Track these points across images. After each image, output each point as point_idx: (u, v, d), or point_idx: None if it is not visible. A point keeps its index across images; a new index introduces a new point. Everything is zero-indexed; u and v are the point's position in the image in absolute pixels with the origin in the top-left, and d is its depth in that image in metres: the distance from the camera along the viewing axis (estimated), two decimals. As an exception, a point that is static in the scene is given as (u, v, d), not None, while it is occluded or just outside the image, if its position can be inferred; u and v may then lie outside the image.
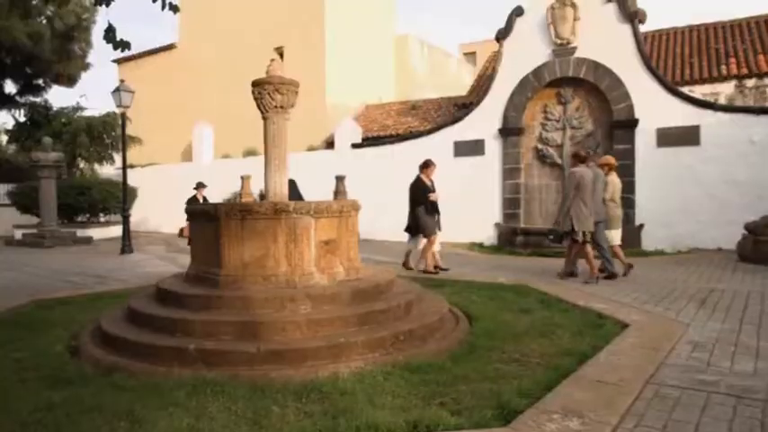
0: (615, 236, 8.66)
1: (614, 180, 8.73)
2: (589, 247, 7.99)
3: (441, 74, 25.47)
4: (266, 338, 4.41)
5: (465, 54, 29.77)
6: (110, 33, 4.72)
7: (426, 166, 9.55)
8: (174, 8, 5.21)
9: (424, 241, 9.50)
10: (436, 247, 9.65)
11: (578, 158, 8.30)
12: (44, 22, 19.01)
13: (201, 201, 12.36)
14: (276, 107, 5.55)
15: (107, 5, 4.66)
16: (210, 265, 5.24)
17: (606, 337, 4.77)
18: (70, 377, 4.10)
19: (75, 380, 4.05)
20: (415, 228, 9.53)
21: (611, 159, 9.10)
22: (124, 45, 4.79)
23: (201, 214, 5.35)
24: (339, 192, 14.55)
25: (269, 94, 5.50)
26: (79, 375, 4.16)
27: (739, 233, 10.60)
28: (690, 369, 3.83)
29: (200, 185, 12.66)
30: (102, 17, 23.14)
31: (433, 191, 9.31)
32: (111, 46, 4.80)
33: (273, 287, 4.94)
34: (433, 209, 9.24)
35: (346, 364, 4.22)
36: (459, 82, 25.47)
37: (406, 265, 9.69)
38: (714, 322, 5.23)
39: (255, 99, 5.61)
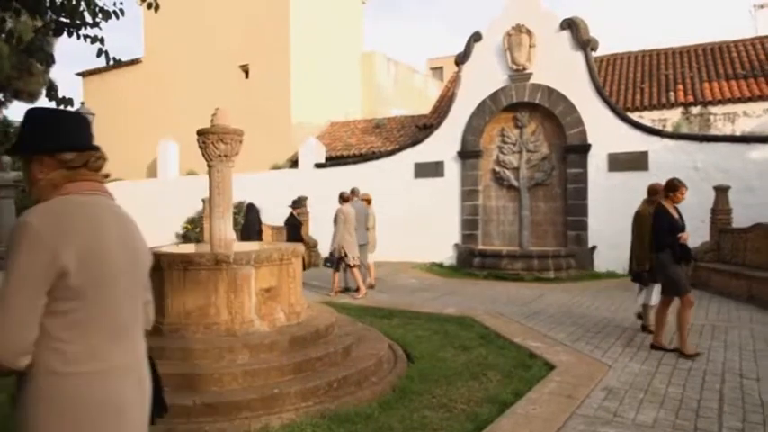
0: (370, 257, 10.91)
1: (373, 212, 11.07)
2: (356, 269, 9.86)
3: (407, 89, 25.81)
4: (203, 390, 4.58)
5: (432, 69, 30.19)
6: (52, 92, 4.87)
7: (674, 188, 6.25)
8: (118, 62, 5.37)
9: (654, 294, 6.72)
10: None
11: (342, 198, 10.14)
12: (3, 37, 18.79)
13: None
14: (220, 156, 5.72)
15: (47, 66, 4.80)
16: (155, 312, 5.38)
17: (531, 380, 5.04)
18: (8, 434, 4.23)
19: (13, 436, 4.17)
20: (647, 275, 6.81)
21: (369, 195, 11.35)
22: (66, 102, 4.94)
23: (145, 262, 5.49)
24: (301, 213, 14.76)
25: (212, 143, 5.66)
26: None
27: (684, 257, 11.05)
28: (597, 420, 4.10)
29: (297, 204, 12.31)
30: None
31: (683, 227, 6.22)
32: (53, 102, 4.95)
33: (214, 336, 5.11)
34: (684, 254, 6.13)
35: (278, 415, 4.41)
36: (426, 97, 25.84)
37: (646, 326, 6.95)
38: (635, 363, 5.55)
39: (200, 148, 5.76)
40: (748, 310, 8.25)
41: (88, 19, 4.89)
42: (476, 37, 14.38)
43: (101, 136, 20.42)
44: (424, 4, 77.28)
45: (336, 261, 9.92)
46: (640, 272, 6.92)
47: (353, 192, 10.83)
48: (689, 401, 4.48)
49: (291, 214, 11.96)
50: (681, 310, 5.92)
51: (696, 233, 11.35)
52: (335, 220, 9.96)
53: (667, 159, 12.39)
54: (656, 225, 6.19)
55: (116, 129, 23.22)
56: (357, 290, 10.00)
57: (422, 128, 17.25)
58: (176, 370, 4.72)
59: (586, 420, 4.11)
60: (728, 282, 9.43)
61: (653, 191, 7.07)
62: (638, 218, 7.12)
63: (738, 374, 5.17)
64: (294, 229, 11.69)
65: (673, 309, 6.07)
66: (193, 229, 17.40)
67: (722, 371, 5.27)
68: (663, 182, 12.17)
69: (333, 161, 17.25)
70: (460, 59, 14.63)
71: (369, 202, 11.11)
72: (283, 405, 4.51)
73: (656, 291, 6.57)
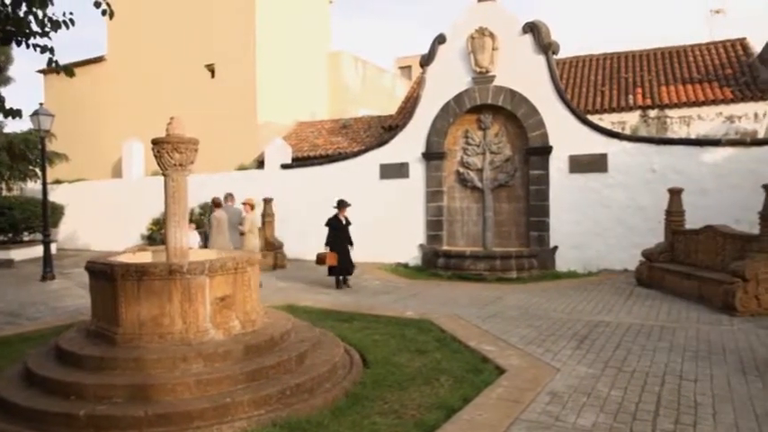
0: None
1: (251, 217, 11.15)
2: None
3: (375, 89, 25.89)
4: (156, 400, 4.60)
5: (401, 68, 30.31)
6: None
7: None
8: (70, 73, 5.36)
9: None
10: None
11: (215, 204, 10.57)
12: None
13: (344, 221, 11.69)
14: (175, 165, 5.74)
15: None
16: (110, 322, 5.39)
17: (481, 385, 5.17)
18: (-45, 448, 4.21)
19: (-40, 451, 4.17)
20: None
21: (251, 200, 11.46)
22: (15, 113, 4.91)
23: (100, 273, 5.49)
24: (267, 214, 14.77)
25: (167, 152, 5.68)
26: (-35, 445, 4.27)
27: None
28: (538, 425, 4.25)
29: (342, 204, 11.75)
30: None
31: None
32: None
33: (169, 345, 5.13)
34: None
35: (230, 424, 4.47)
36: (394, 96, 25.95)
37: None
38: (582, 366, 5.73)
39: (155, 157, 5.77)
40: (697, 310, 8.53)
41: (36, 29, 4.86)
42: (440, 39, 14.51)
43: (63, 135, 20.16)
44: (395, 1, 77.37)
45: None
46: None
47: (228, 197, 11.13)
48: (628, 405, 4.66)
49: (335, 216, 11.65)
50: None
51: (653, 233, 11.71)
52: (209, 225, 10.18)
53: (626, 161, 12.71)
54: None
55: (80, 127, 22.86)
56: None
57: (387, 129, 17.36)
58: (129, 381, 4.75)
59: (529, 425, 4.26)
60: (681, 282, 9.72)
61: None
62: None
63: (678, 376, 5.38)
64: (334, 231, 11.48)
65: None
66: (159, 231, 17.24)
67: (663, 372, 5.48)
68: (619, 185, 12.64)
69: (299, 162, 17.26)
70: (425, 61, 14.76)
71: (252, 207, 11.34)
72: (236, 414, 4.57)
73: None
